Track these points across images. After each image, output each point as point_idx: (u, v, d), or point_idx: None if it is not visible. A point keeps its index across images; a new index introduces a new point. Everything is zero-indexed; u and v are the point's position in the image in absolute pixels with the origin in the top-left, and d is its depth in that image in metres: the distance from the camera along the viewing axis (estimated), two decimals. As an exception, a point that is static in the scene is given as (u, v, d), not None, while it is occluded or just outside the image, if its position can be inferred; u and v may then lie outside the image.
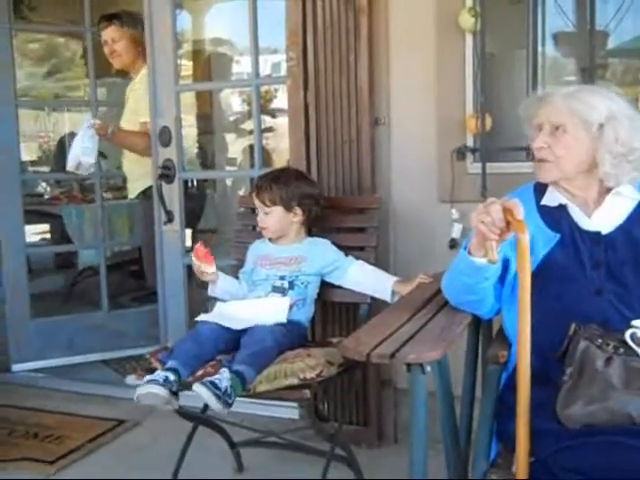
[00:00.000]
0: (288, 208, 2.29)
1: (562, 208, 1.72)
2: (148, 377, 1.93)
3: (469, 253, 1.61)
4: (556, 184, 1.72)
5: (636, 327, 1.43)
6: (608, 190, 1.69)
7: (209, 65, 5.60)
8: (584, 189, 1.70)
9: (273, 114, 6.76)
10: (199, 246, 2.25)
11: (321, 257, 2.29)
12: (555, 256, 1.65)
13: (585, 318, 1.53)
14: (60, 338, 3.62)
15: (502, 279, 1.71)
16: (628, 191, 1.68)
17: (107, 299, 3.78)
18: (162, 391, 1.89)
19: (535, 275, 1.45)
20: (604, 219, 1.67)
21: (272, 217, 2.29)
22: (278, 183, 2.29)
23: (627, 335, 1.43)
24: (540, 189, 1.76)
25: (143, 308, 3.86)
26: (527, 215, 1.49)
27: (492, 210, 1.48)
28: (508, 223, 1.48)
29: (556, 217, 1.70)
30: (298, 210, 2.30)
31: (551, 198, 1.74)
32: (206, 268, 2.22)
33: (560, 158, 1.66)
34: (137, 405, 1.96)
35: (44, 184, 5.05)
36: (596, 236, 1.66)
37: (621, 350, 1.43)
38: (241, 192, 4.48)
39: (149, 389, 1.89)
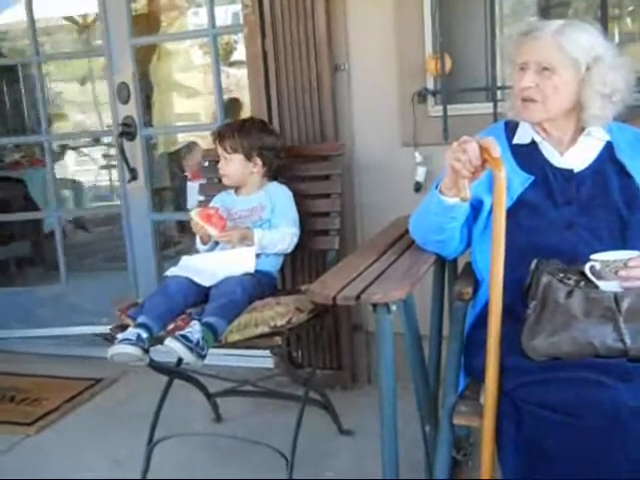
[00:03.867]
0: (248, 157, 2.30)
1: (534, 145, 1.72)
2: (120, 336, 1.94)
3: (440, 192, 1.62)
4: (537, 124, 1.71)
5: (595, 260, 1.46)
6: (581, 130, 1.70)
7: (165, 17, 5.47)
8: (561, 129, 1.70)
9: (234, 66, 6.64)
10: (208, 209, 2.25)
11: (274, 202, 2.29)
12: (529, 195, 1.66)
13: (556, 252, 1.56)
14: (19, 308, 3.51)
15: (474, 219, 1.72)
16: (598, 132, 1.70)
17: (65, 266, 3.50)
18: (135, 350, 1.90)
19: (508, 214, 1.46)
20: (576, 158, 1.69)
21: (232, 164, 2.31)
22: (241, 132, 2.31)
23: (586, 268, 1.46)
24: (511, 128, 1.76)
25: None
26: (502, 155, 1.47)
27: (469, 148, 1.48)
28: (484, 161, 1.48)
29: (528, 156, 1.71)
30: (258, 160, 2.31)
31: (523, 136, 1.74)
32: (212, 231, 2.19)
33: (547, 99, 1.64)
34: (112, 363, 1.97)
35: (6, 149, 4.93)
36: (568, 173, 1.68)
37: (582, 283, 1.45)
38: (204, 145, 4.44)
39: (122, 349, 1.90)
